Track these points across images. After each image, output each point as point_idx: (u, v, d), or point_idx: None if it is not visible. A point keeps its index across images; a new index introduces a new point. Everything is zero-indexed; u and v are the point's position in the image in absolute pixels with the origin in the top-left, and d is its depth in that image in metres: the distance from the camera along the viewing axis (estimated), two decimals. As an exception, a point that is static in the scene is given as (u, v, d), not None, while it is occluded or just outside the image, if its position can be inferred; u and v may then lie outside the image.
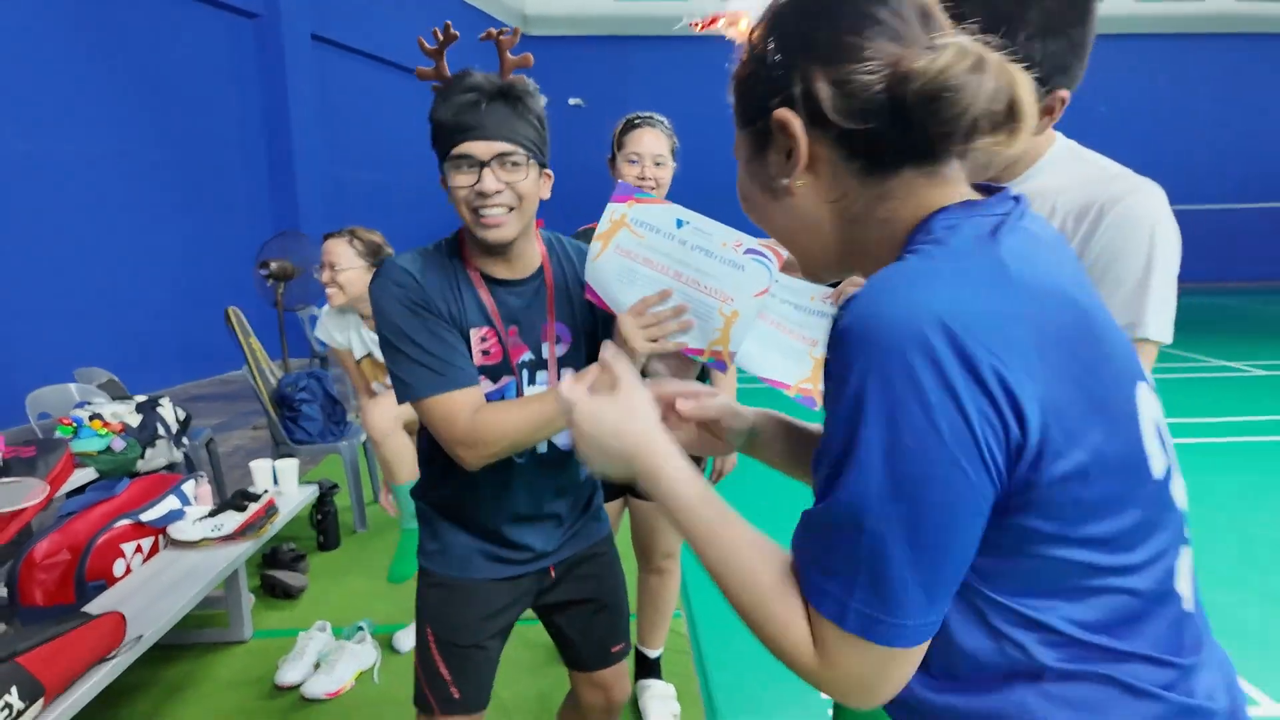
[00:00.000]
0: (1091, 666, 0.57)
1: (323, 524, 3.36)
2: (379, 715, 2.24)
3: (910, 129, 0.59)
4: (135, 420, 3.13)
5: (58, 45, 5.97)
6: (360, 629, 2.52)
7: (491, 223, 1.24)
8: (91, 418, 2.93)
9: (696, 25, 1.30)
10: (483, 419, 1.22)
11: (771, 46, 0.62)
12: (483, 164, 1.22)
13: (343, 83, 9.18)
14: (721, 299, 1.18)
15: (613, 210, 1.22)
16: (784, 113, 0.62)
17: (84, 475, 2.78)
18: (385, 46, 9.88)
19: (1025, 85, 0.59)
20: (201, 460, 3.55)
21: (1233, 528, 3.45)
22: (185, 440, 3.39)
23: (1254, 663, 2.38)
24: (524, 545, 1.40)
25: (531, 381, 1.34)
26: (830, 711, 1.54)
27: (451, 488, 1.38)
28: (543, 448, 1.37)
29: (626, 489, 2.14)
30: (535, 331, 1.33)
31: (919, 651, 0.58)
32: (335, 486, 3.51)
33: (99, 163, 6.36)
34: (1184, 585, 0.63)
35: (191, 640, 2.62)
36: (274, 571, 2.98)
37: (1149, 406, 0.63)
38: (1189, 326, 9.72)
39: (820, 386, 1.15)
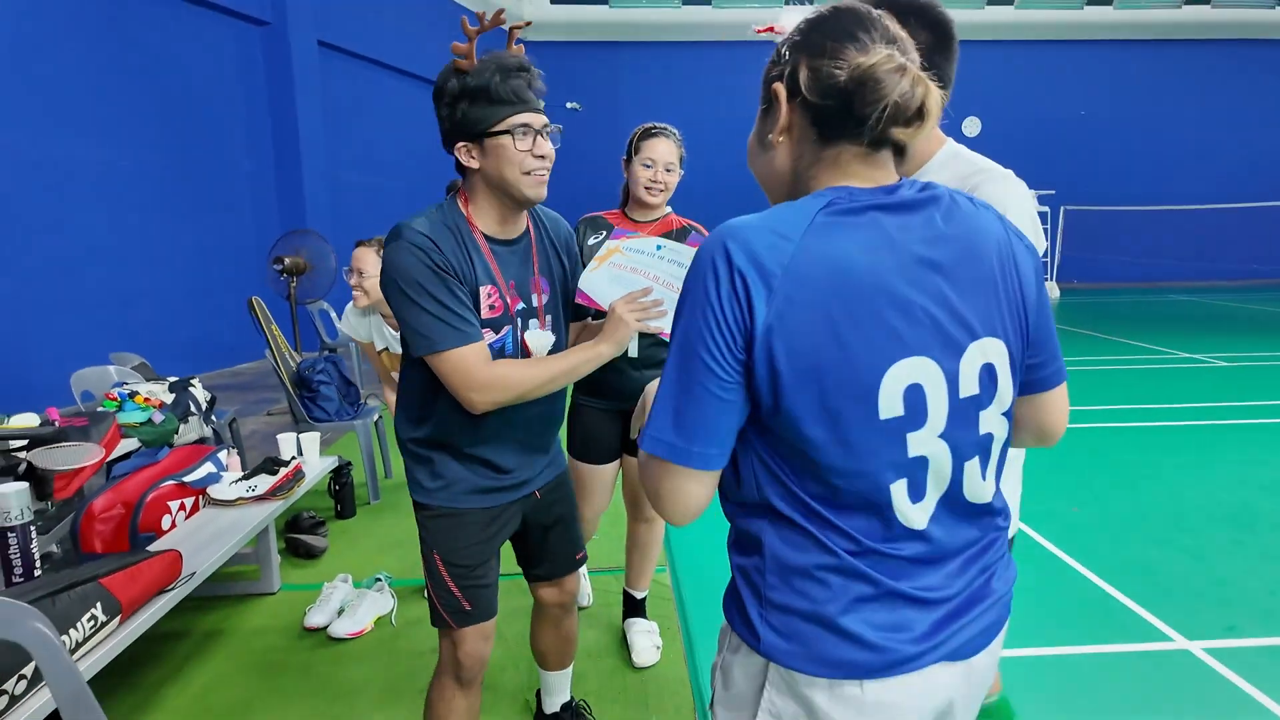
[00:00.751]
0: (800, 519, 0.84)
1: (340, 494, 3.66)
2: (395, 651, 2.54)
3: (848, 108, 0.81)
4: (169, 398, 3.43)
5: (75, 56, 6.26)
6: (379, 579, 2.82)
7: (540, 180, 1.48)
8: (132, 394, 3.23)
9: (759, 30, 1.69)
10: (502, 373, 1.44)
11: (786, 44, 0.88)
12: (537, 132, 1.45)
13: (346, 88, 9.48)
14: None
15: (611, 244, 1.71)
16: (778, 85, 0.87)
17: (127, 445, 3.07)
18: (388, 52, 10.18)
19: (934, 95, 0.81)
20: (226, 438, 3.85)
21: (1171, 496, 3.79)
22: (213, 419, 3.69)
23: (1173, 606, 2.70)
24: (518, 474, 1.64)
25: (525, 328, 1.57)
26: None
27: (453, 428, 1.55)
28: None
29: (623, 449, 2.45)
30: (526, 284, 1.58)
31: (693, 474, 0.83)
32: (349, 464, 3.80)
33: (114, 167, 6.65)
34: (912, 511, 0.83)
35: (226, 591, 2.91)
36: (298, 535, 3.28)
37: (910, 370, 0.80)
38: (1165, 321, 10.03)
39: None
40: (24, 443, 2.53)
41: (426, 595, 1.64)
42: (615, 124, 14.85)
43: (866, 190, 0.84)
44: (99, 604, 1.83)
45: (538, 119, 1.46)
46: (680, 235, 2.31)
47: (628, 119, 17.12)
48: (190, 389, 3.58)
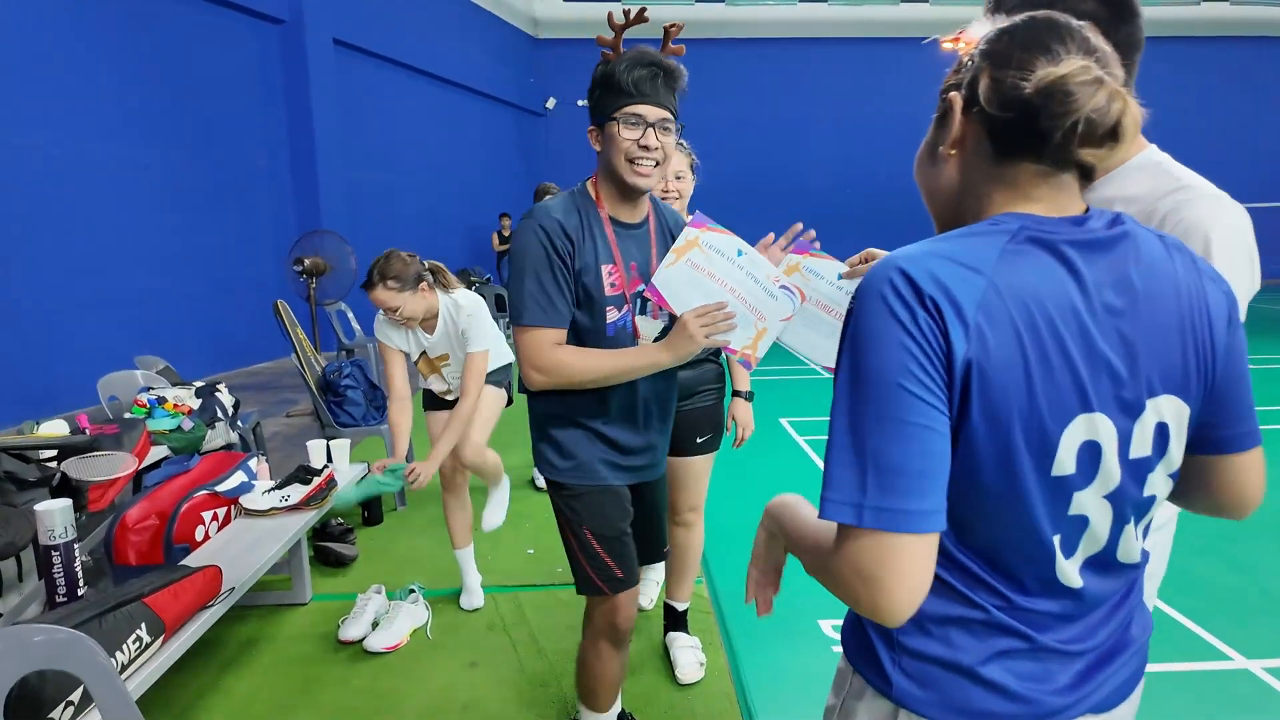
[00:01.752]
0: (946, 573, 0.78)
1: (367, 501, 3.61)
2: (434, 664, 2.49)
3: (1030, 121, 0.73)
4: (196, 404, 3.39)
5: (94, 57, 6.23)
6: (413, 590, 2.77)
7: (643, 173, 1.56)
8: (160, 400, 3.19)
9: (944, 41, 1.60)
10: (561, 359, 1.54)
11: (972, 53, 0.81)
12: (648, 124, 1.52)
13: (361, 86, 9.44)
14: (758, 316, 1.53)
15: (688, 232, 1.55)
16: (954, 95, 0.81)
17: (156, 452, 3.04)
18: (402, 50, 10.13)
19: (1133, 112, 0.72)
20: (251, 442, 3.81)
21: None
22: (239, 424, 3.65)
23: (1226, 622, 2.63)
24: (642, 456, 1.73)
25: (642, 311, 1.65)
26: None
27: (581, 406, 1.66)
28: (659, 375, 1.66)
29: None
30: (646, 268, 1.65)
31: (922, 539, 0.69)
32: (374, 468, 3.77)
33: (131, 166, 6.63)
34: (1067, 568, 0.78)
35: (259, 602, 2.87)
36: (327, 543, 3.24)
37: (1088, 426, 0.73)
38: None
39: (759, 354, 1.56)
40: (54, 452, 2.49)
41: (577, 564, 1.73)
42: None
43: (1054, 221, 0.76)
44: (144, 624, 1.79)
45: (653, 112, 1.53)
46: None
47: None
48: (216, 394, 3.54)
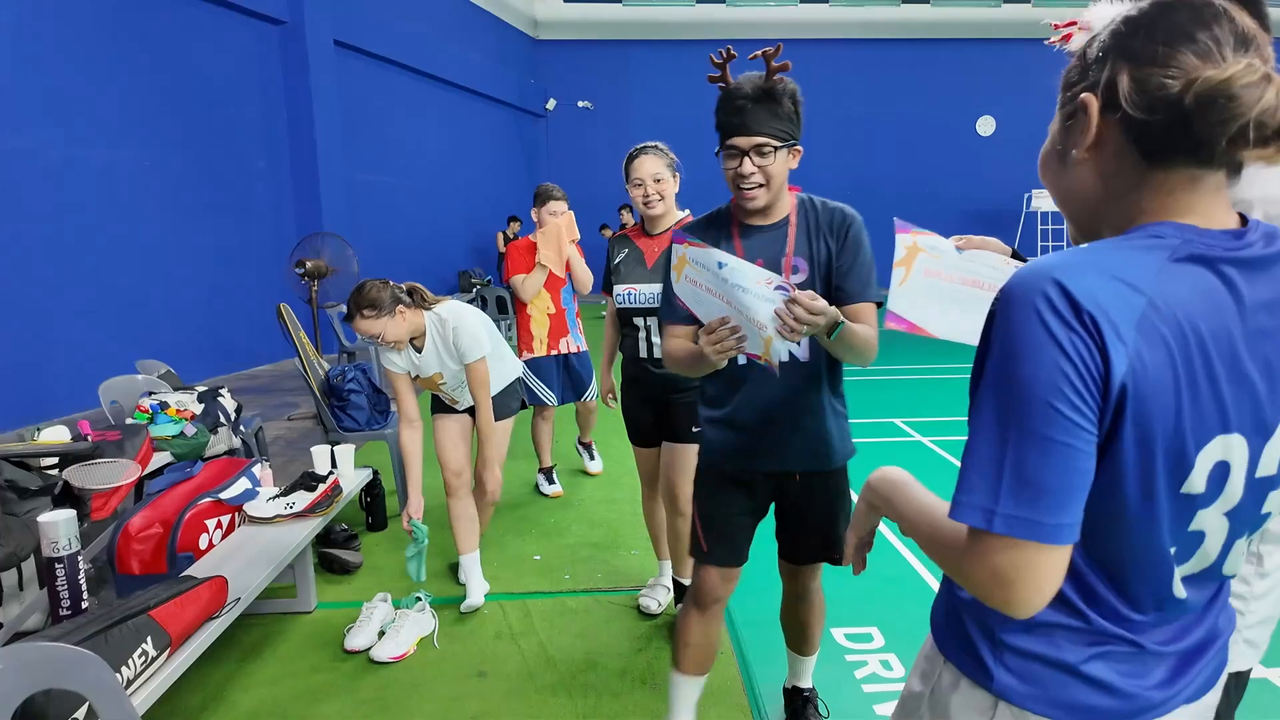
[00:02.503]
0: (1070, 570, 0.75)
1: (371, 506, 3.58)
2: (442, 674, 2.46)
3: (1185, 125, 0.68)
4: (198, 409, 3.36)
5: (93, 58, 6.19)
6: (419, 599, 2.74)
7: (748, 196, 1.69)
8: (163, 405, 3.15)
9: (1056, 26, 1.47)
10: (665, 347, 1.78)
11: (1094, 47, 0.75)
12: (743, 153, 1.64)
13: (361, 87, 9.40)
14: (758, 326, 1.50)
15: (675, 249, 1.58)
16: (1088, 96, 0.75)
17: (159, 459, 3.00)
18: (403, 51, 10.10)
19: None
20: (254, 447, 3.77)
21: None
22: (241, 429, 3.62)
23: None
24: (758, 446, 1.79)
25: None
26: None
27: (709, 397, 1.86)
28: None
29: (661, 435, 2.58)
30: (777, 263, 1.73)
31: (1056, 550, 0.68)
32: (377, 472, 3.72)
33: (130, 168, 6.59)
34: (1176, 581, 0.78)
35: (263, 610, 2.83)
36: (331, 549, 3.20)
37: (1223, 447, 0.72)
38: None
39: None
40: (55, 460, 2.45)
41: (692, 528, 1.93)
42: (628, 123, 14.76)
43: (1214, 235, 0.72)
44: (149, 638, 1.76)
45: (746, 141, 1.64)
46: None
47: (640, 118, 17.01)
48: (219, 398, 3.50)
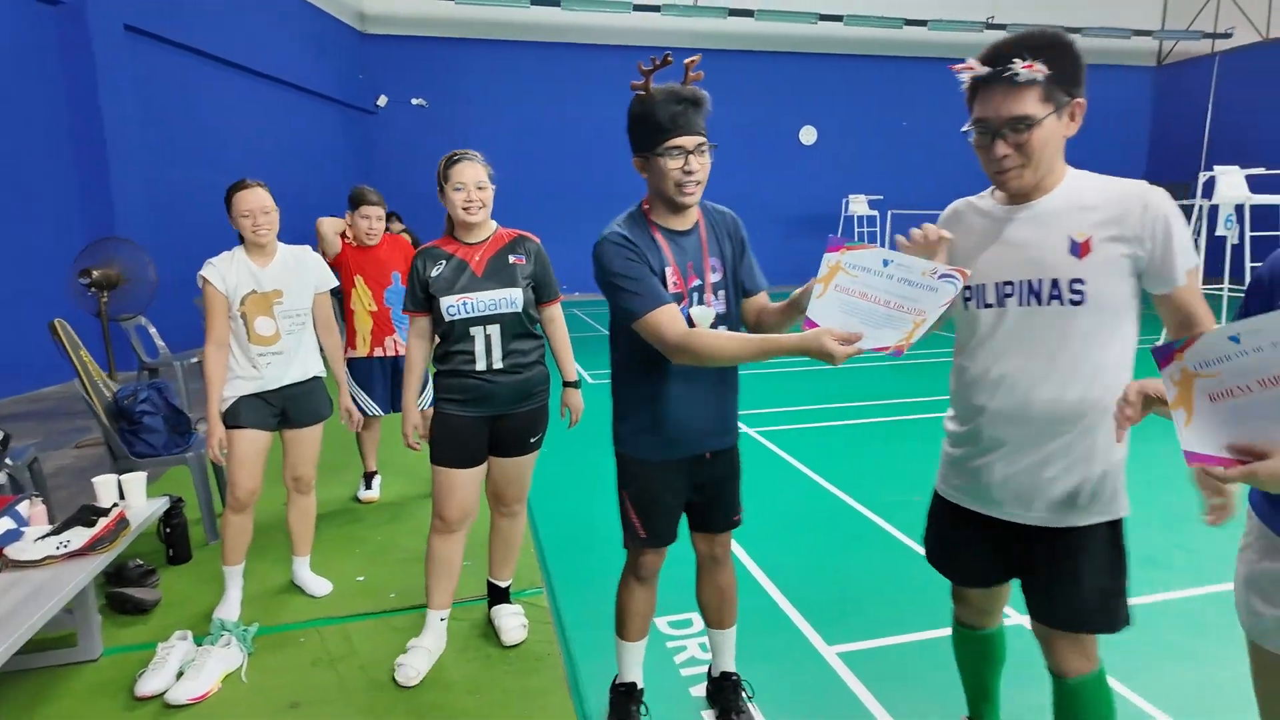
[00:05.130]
0: None
1: (172, 537, 3.28)
2: (251, 710, 2.30)
3: None
4: (-50, 442, 2.94)
5: None
6: (225, 632, 2.55)
7: (689, 193, 1.81)
8: (-100, 441, 2.73)
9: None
10: (698, 338, 1.73)
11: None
12: (688, 152, 1.76)
13: (163, 78, 8.56)
14: (916, 313, 1.54)
15: (828, 258, 1.58)
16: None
17: (-105, 502, 2.59)
18: (211, 40, 9.30)
19: None
20: (26, 482, 3.35)
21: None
22: (8, 461, 3.20)
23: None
24: (683, 434, 1.93)
25: (700, 301, 1.88)
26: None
27: (642, 393, 1.92)
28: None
29: (491, 451, 2.57)
30: (700, 264, 1.90)
31: None
32: (181, 500, 3.42)
33: None
34: None
35: (35, 665, 2.53)
36: (123, 589, 2.91)
37: None
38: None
39: (912, 342, 1.54)
40: None
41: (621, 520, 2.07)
42: (465, 122, 14.45)
43: None
44: None
45: (692, 140, 1.77)
46: (512, 247, 2.49)
47: (478, 118, 16.73)
48: (-22, 429, 3.08)
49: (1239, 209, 8.21)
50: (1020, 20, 15.42)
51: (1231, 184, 7.92)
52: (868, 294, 1.54)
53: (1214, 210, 8.10)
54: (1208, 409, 1.12)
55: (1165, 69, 17.54)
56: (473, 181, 2.40)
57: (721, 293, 1.93)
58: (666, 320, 1.75)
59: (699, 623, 2.77)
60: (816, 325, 1.58)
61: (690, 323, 1.82)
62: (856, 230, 14.89)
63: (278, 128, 11.00)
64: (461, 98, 14.51)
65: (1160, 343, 1.18)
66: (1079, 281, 1.47)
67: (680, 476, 1.99)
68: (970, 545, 1.72)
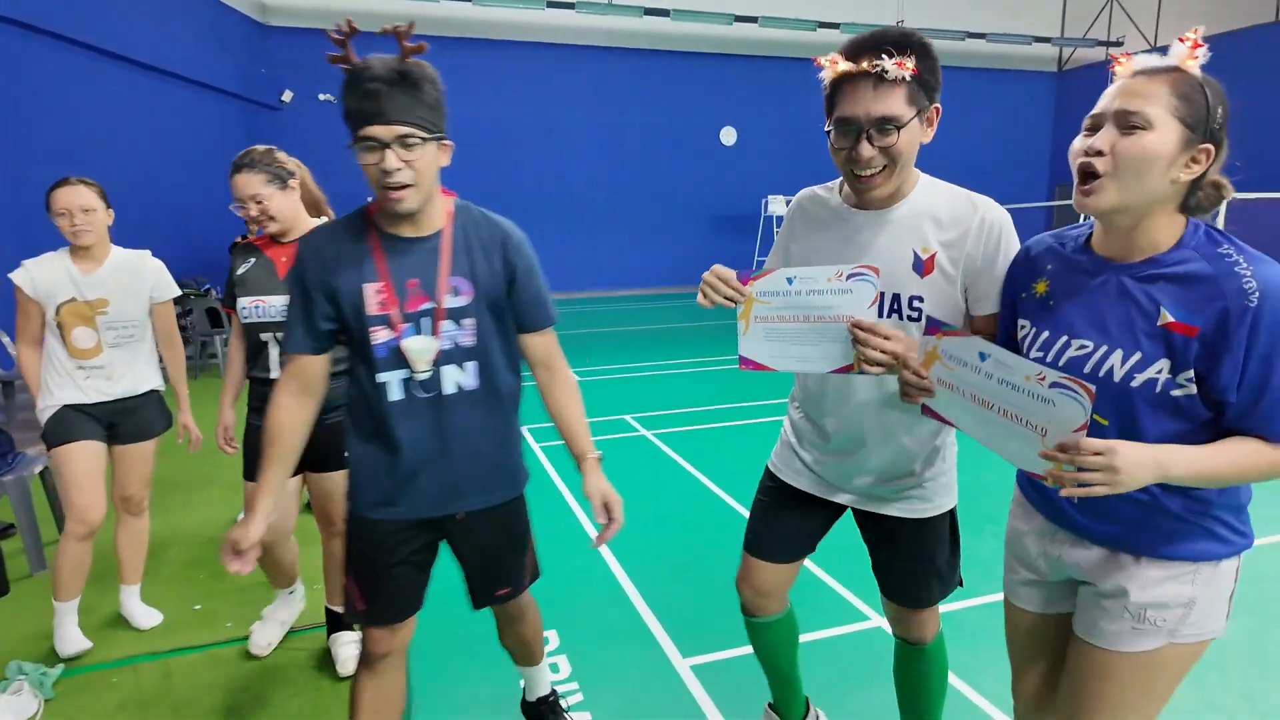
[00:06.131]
0: None
1: (-15, 569, 2.99)
2: (38, 765, 2.08)
3: None
4: None
5: None
6: (21, 677, 2.31)
7: (395, 196, 1.43)
8: None
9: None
10: (270, 413, 1.54)
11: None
12: (385, 145, 1.39)
13: (28, 68, 7.96)
14: (845, 319, 1.40)
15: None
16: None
17: None
18: (85, 29, 8.71)
19: None
20: None
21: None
22: None
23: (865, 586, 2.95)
24: (406, 493, 1.60)
25: (422, 330, 1.51)
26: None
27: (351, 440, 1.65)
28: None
29: (305, 464, 2.34)
30: (432, 283, 1.51)
31: None
32: (11, 527, 3.13)
33: None
34: None
35: None
36: (-87, 631, 2.61)
37: None
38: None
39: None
40: None
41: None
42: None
43: None
44: None
45: (387, 131, 1.39)
46: None
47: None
48: None
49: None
50: (928, 24, 15.89)
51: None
52: (786, 315, 1.47)
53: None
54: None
55: (1066, 75, 18.36)
56: (249, 198, 2.26)
57: (469, 322, 1.54)
58: (291, 364, 1.53)
59: (555, 639, 2.66)
60: (752, 361, 1.51)
61: (400, 357, 1.51)
62: (775, 230, 15.05)
63: (168, 124, 10.42)
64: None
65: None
66: (918, 299, 1.48)
67: (415, 542, 1.64)
68: (794, 523, 1.78)
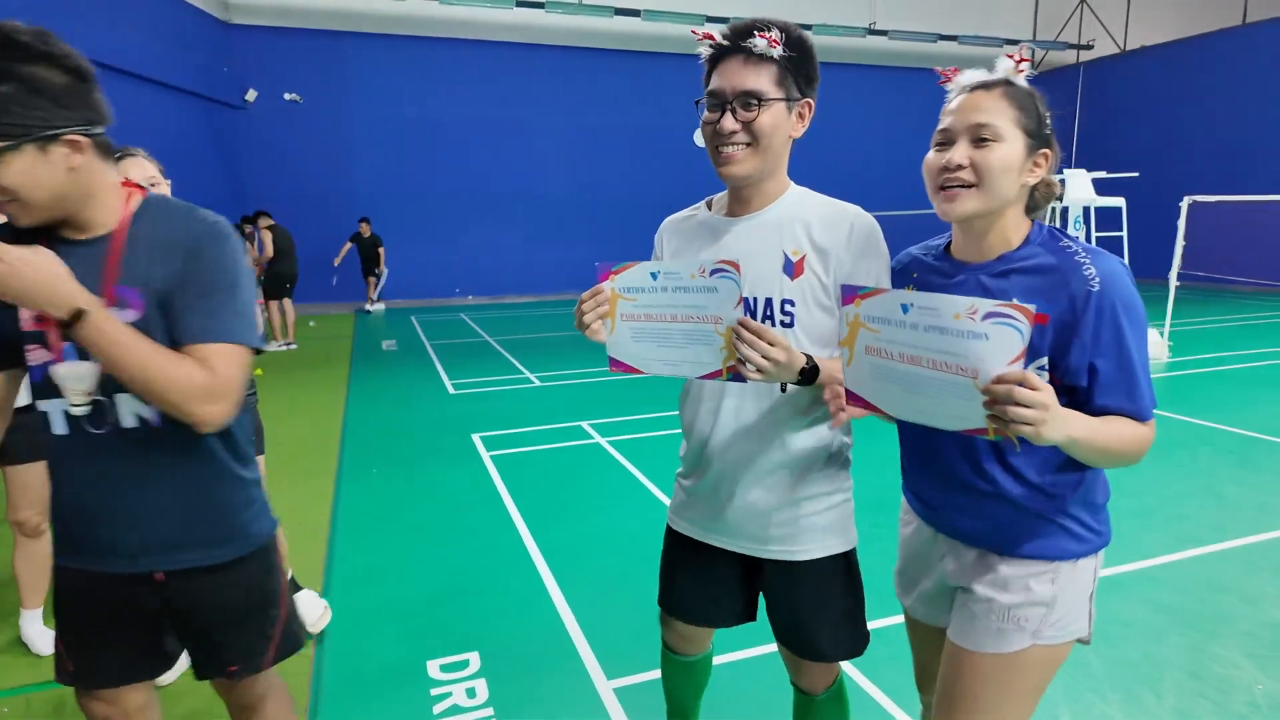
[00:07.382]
0: None
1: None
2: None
3: None
4: None
5: None
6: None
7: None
8: None
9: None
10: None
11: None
12: None
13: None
14: (712, 320, 1.28)
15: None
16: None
17: None
18: (47, 28, 8.49)
19: None
20: None
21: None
22: None
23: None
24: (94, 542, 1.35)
25: (76, 355, 1.25)
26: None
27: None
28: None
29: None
30: (96, 292, 1.22)
31: None
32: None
33: None
34: None
35: None
36: None
37: None
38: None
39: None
40: None
41: None
42: (347, 118, 13.83)
43: None
44: None
45: None
46: None
47: (359, 114, 15.97)
48: None
49: (1085, 210, 8.61)
50: (901, 27, 15.93)
51: (1079, 186, 8.29)
52: (653, 314, 1.35)
53: (1065, 211, 8.46)
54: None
55: (1037, 78, 18.47)
56: (145, 178, 2.21)
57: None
58: None
59: (476, 662, 2.55)
60: (622, 364, 1.39)
61: (50, 386, 1.26)
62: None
63: (128, 124, 10.16)
64: (341, 93, 13.86)
65: (851, 283, 1.32)
66: (790, 303, 1.41)
67: (114, 599, 1.37)
68: (703, 581, 1.61)
